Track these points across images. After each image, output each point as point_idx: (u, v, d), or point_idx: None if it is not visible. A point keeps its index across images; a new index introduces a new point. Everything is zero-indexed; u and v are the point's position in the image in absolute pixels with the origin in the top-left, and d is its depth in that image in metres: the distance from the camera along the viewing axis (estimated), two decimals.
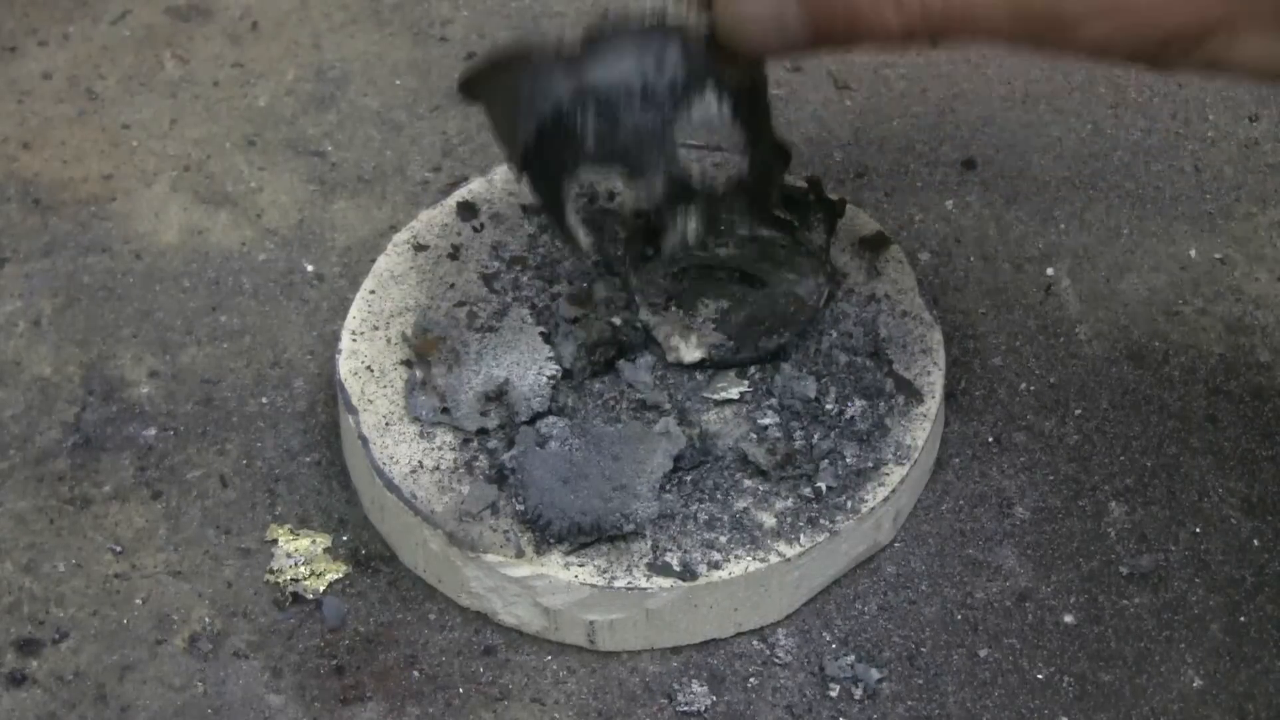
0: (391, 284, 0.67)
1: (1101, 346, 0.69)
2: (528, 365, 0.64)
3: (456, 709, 0.59)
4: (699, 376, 0.64)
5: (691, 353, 0.64)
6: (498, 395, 0.63)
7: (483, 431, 0.62)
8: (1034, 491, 0.65)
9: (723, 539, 0.60)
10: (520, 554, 0.59)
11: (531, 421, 0.62)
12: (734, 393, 0.63)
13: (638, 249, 0.66)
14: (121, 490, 0.65)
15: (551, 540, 0.60)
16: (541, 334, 0.65)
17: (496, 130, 0.61)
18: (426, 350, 0.64)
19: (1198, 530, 0.64)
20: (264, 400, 0.68)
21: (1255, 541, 0.64)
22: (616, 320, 0.65)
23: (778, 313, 0.65)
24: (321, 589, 0.62)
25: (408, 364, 0.64)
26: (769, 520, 0.61)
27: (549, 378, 0.63)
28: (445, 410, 0.62)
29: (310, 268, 0.72)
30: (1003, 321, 0.70)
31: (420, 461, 0.62)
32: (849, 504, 0.61)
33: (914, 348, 0.65)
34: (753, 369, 0.64)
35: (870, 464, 0.62)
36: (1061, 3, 0.52)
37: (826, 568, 0.61)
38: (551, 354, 0.64)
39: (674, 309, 0.65)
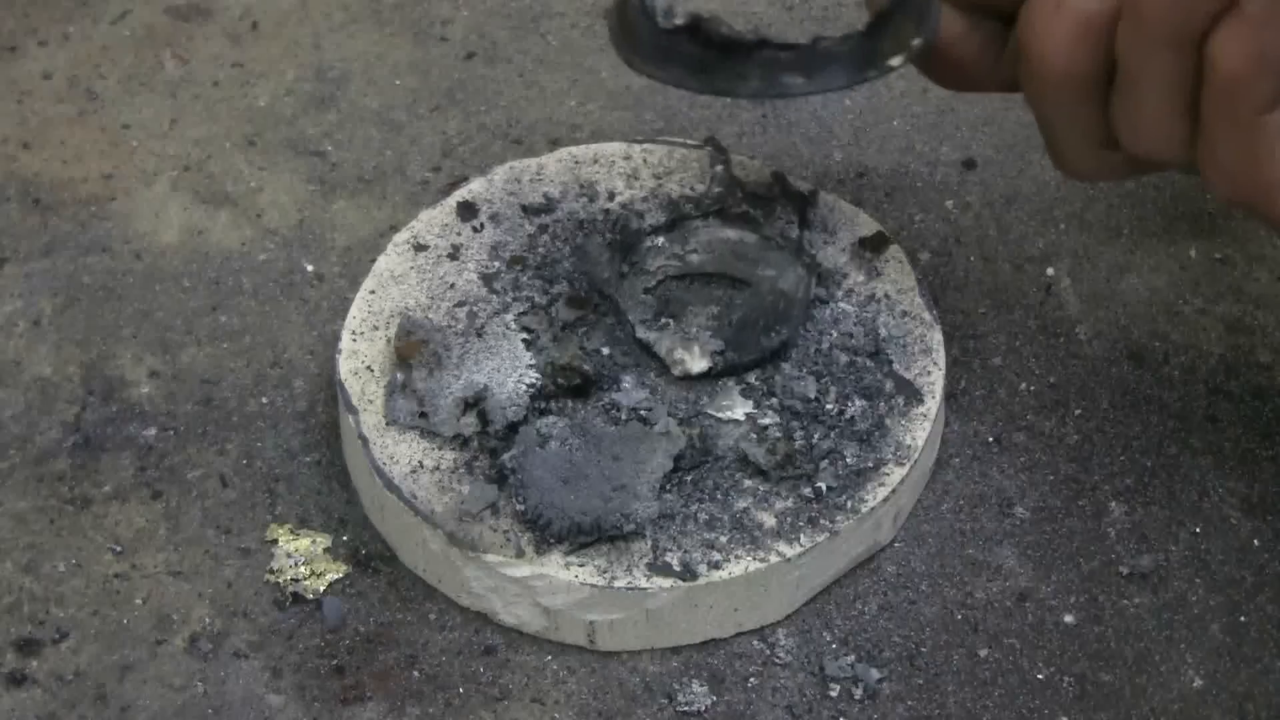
0: (391, 284, 0.67)
1: (1101, 346, 0.69)
2: (508, 373, 0.63)
3: (456, 709, 0.59)
4: (703, 398, 0.64)
5: (698, 362, 0.64)
6: (475, 402, 0.62)
7: (459, 437, 0.62)
8: (1034, 491, 0.65)
9: (723, 539, 0.60)
10: (520, 554, 0.59)
11: (511, 430, 0.62)
12: (739, 413, 0.63)
13: (617, 268, 0.66)
14: (121, 490, 0.65)
15: (551, 540, 0.60)
16: (524, 341, 0.64)
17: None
18: (408, 353, 0.64)
19: (1198, 530, 0.64)
20: (264, 400, 0.68)
21: (1255, 541, 0.64)
22: (605, 350, 0.64)
23: (768, 310, 0.65)
24: (321, 589, 0.62)
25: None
26: (769, 520, 0.61)
27: (528, 386, 0.63)
28: (423, 415, 0.62)
29: (310, 268, 0.72)
30: (1003, 321, 0.70)
31: (420, 461, 0.62)
32: (849, 504, 0.61)
33: (914, 348, 0.65)
34: (753, 377, 0.64)
35: (870, 464, 0.62)
36: None
37: (826, 568, 0.61)
38: (532, 362, 0.64)
39: (669, 322, 0.65)
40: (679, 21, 0.59)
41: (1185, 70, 0.54)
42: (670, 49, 0.60)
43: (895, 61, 0.60)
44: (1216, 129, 0.55)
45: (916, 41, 0.60)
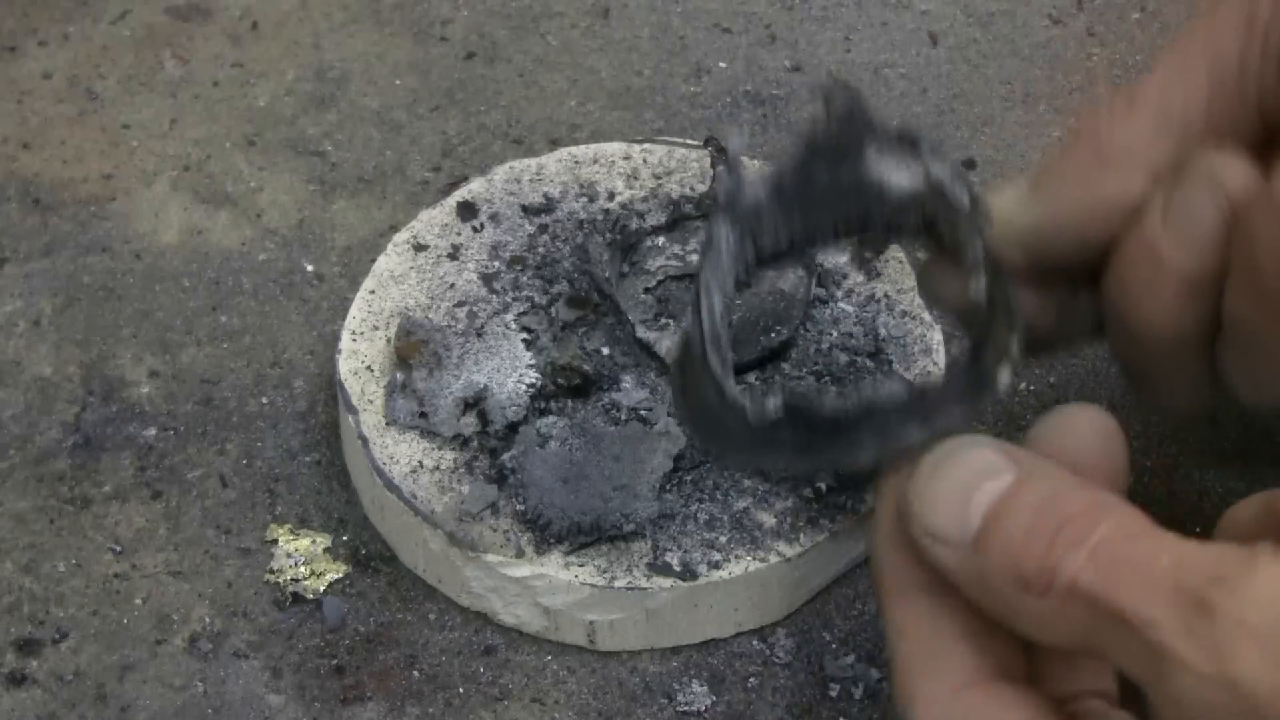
0: (391, 284, 0.67)
1: (1101, 346, 0.69)
2: (508, 373, 0.63)
3: (456, 709, 0.59)
4: None
5: None
6: (475, 402, 0.62)
7: (459, 437, 0.62)
8: None
9: (723, 539, 0.60)
10: (520, 554, 0.59)
11: (511, 430, 0.62)
12: None
13: (617, 268, 0.66)
14: (121, 490, 0.65)
15: (551, 540, 0.60)
16: (524, 341, 0.64)
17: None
18: (408, 353, 0.64)
19: (1198, 530, 0.64)
20: (264, 400, 0.68)
21: None
22: (605, 350, 0.64)
23: (769, 310, 0.65)
24: (321, 589, 0.62)
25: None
26: (769, 520, 0.61)
27: (528, 386, 0.63)
28: (423, 415, 0.62)
29: (310, 268, 0.72)
30: None
31: (420, 461, 0.62)
32: (849, 504, 0.61)
33: (914, 348, 0.65)
34: (752, 377, 0.64)
35: None
36: None
37: (826, 568, 0.61)
38: (532, 362, 0.64)
39: (669, 322, 0.65)
40: (774, 415, 0.53)
41: None
42: (769, 438, 0.54)
43: (1004, 379, 0.54)
44: None
45: (1014, 347, 0.54)
